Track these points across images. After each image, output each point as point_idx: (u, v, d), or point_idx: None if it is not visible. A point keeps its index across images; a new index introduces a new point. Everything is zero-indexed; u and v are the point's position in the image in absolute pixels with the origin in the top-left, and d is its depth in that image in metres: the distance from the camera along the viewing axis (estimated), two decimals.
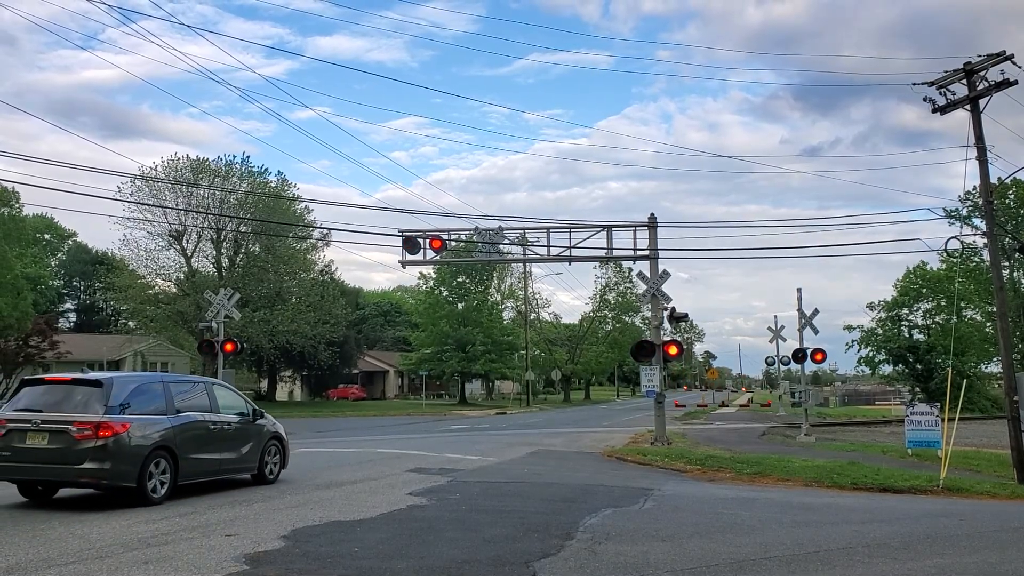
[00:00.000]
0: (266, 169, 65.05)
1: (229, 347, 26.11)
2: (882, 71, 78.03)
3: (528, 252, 28.05)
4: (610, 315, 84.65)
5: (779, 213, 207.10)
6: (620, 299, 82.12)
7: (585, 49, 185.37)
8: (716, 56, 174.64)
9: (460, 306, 68.80)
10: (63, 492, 11.59)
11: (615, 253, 25.14)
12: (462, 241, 26.68)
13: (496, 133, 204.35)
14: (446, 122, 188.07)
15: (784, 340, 45.30)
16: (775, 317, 48.59)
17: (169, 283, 54.68)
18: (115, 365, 51.29)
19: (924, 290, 61.93)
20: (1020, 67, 18.62)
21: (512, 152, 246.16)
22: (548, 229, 25.38)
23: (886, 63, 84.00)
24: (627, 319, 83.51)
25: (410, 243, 24.74)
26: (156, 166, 52.96)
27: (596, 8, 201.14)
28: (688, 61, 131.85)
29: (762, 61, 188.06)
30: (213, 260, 55.70)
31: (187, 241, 53.82)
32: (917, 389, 60.63)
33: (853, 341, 65.02)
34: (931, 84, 19.78)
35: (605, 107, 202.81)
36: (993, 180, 20.59)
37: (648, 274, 23.54)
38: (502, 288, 76.02)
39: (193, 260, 54.53)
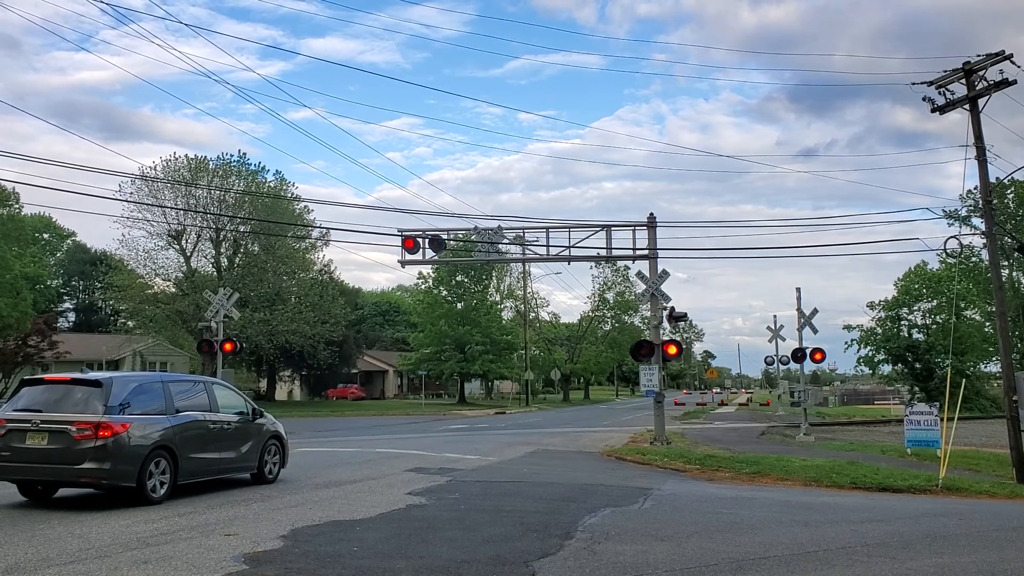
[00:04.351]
0: (264, 167, 64.80)
1: (228, 347, 26.10)
2: (876, 72, 78.05)
3: (527, 252, 28.02)
4: (609, 315, 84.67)
5: (774, 213, 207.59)
6: (619, 299, 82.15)
7: (577, 50, 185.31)
8: (711, 58, 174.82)
9: (459, 306, 68.79)
10: (62, 492, 11.58)
11: (614, 253, 25.10)
12: (461, 241, 26.68)
13: (490, 132, 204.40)
14: (441, 121, 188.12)
15: (783, 340, 45.36)
16: (774, 317, 48.67)
17: (168, 283, 54.68)
18: (114, 365, 51.27)
19: (924, 290, 62.05)
20: (1019, 67, 18.65)
21: (506, 152, 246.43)
22: (547, 229, 25.38)
23: (880, 65, 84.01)
24: (626, 319, 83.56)
25: (409, 242, 24.73)
26: (155, 166, 53.09)
27: (592, 11, 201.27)
28: (683, 62, 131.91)
29: (757, 63, 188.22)
30: (212, 260, 55.73)
31: (186, 241, 53.88)
32: (916, 389, 60.72)
33: (853, 341, 65.25)
34: (930, 84, 19.80)
35: (598, 108, 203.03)
36: (991, 180, 20.62)
37: (647, 274, 23.52)
38: (501, 288, 76.06)
39: (192, 260, 54.58)
